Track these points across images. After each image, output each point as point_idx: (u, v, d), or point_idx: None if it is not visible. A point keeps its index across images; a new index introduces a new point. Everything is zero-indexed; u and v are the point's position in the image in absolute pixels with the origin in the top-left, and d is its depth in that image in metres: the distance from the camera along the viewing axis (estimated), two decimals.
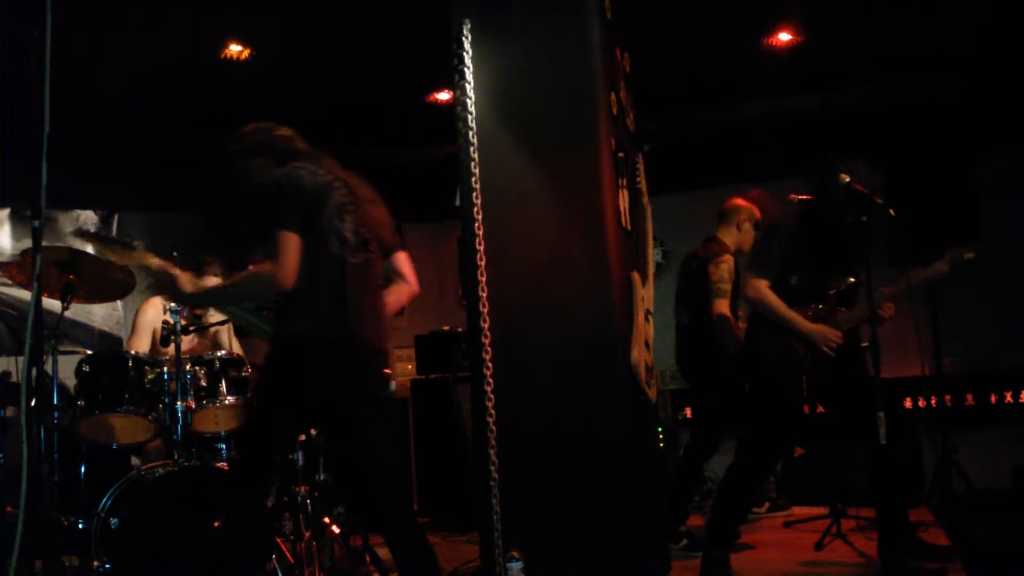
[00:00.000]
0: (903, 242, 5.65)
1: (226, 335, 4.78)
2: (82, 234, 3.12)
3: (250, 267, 2.97)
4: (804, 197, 4.77)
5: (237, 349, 4.69)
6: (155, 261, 3.10)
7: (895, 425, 3.91)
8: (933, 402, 5.95)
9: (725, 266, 4.63)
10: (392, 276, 3.23)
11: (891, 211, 4.19)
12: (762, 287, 3.85)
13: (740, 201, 4.93)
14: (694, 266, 4.81)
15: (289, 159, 3.06)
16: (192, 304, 3.14)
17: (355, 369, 2.97)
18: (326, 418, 3.10)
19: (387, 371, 3.20)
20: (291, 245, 2.84)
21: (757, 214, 4.89)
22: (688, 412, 6.54)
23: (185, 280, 3.03)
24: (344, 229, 2.98)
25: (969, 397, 6.21)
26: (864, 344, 3.95)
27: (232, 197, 3.13)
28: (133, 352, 4.17)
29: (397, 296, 3.23)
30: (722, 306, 4.57)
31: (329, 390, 2.95)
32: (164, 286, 3.10)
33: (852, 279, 3.95)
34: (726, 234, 4.86)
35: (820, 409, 4.45)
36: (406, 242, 3.29)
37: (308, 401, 2.99)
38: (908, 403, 6.21)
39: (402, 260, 3.27)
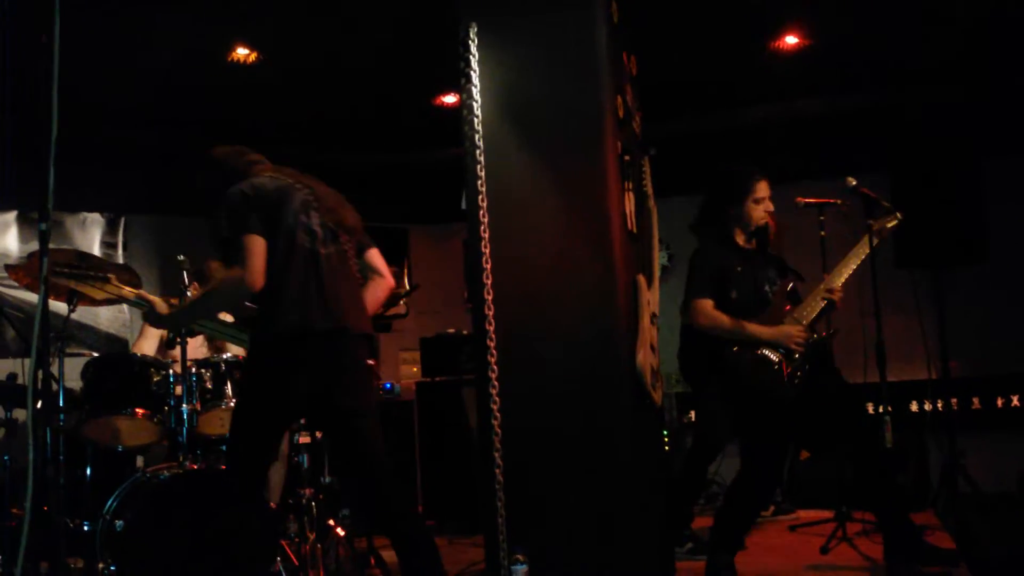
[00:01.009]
0: (909, 245, 5.65)
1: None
2: (56, 273, 3.16)
3: (216, 276, 3.01)
4: (811, 200, 4.76)
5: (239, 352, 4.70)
6: (129, 291, 3.16)
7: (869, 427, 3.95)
8: (940, 405, 5.94)
9: None
10: (368, 273, 3.25)
11: (898, 215, 4.20)
12: (710, 309, 3.84)
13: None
14: None
15: (250, 174, 3.11)
16: (171, 325, 3.19)
17: (336, 355, 2.97)
18: (320, 416, 3.11)
19: (372, 361, 3.19)
20: (255, 247, 2.87)
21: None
22: (693, 415, 6.53)
23: (160, 304, 3.09)
24: (312, 223, 3.02)
25: (976, 401, 6.20)
26: (822, 335, 3.94)
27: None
28: (139, 355, 4.18)
29: (374, 292, 3.25)
30: None
31: (319, 384, 2.94)
32: (145, 313, 3.15)
33: (790, 282, 3.97)
34: None
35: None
36: (410, 244, 3.30)
37: (298, 398, 2.98)
38: (915, 406, 6.20)
39: (375, 256, 3.29)
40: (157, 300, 3.10)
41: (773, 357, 3.81)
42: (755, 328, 3.81)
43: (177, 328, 3.82)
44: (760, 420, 3.87)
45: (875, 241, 4.04)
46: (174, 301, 3.21)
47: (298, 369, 2.92)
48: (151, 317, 3.11)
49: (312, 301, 2.94)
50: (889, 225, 4.14)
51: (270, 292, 2.90)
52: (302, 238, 2.98)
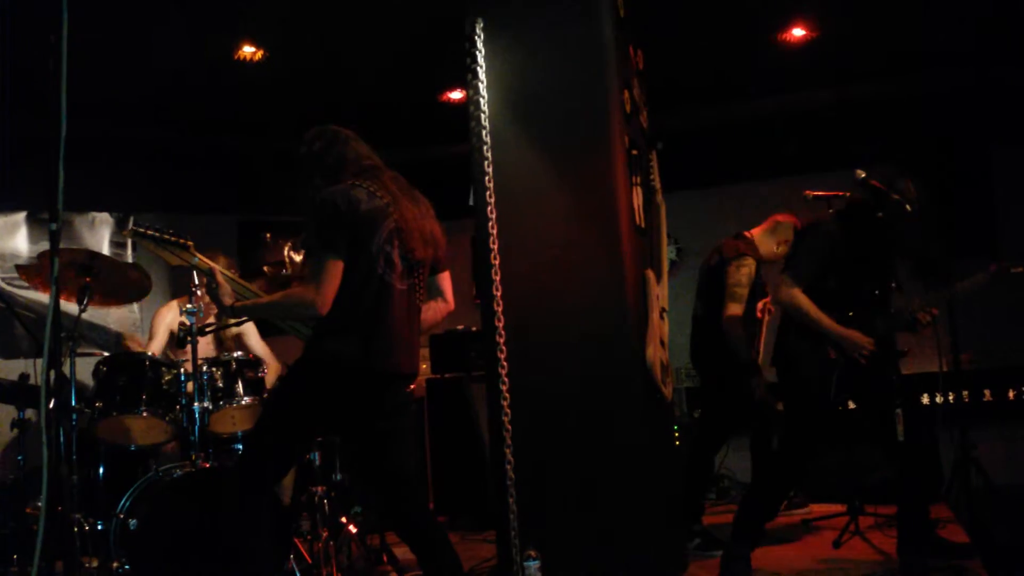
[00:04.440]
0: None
1: (254, 338, 4.78)
2: (136, 234, 3.11)
3: (292, 288, 2.97)
4: (820, 193, 4.73)
5: (261, 351, 4.69)
6: (204, 261, 3.11)
7: (915, 421, 3.89)
8: (951, 398, 5.92)
9: (745, 270, 4.55)
10: (433, 293, 3.23)
11: (907, 207, 4.18)
12: (795, 290, 3.75)
13: (796, 222, 4.81)
14: (715, 261, 4.75)
15: (341, 176, 3.03)
16: (228, 315, 3.15)
17: (382, 394, 2.98)
18: (348, 433, 3.11)
19: (412, 387, 3.20)
20: (335, 273, 2.84)
21: None
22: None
23: (226, 290, 3.03)
24: (394, 255, 2.96)
25: (987, 393, 6.17)
26: (903, 350, 3.94)
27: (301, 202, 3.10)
28: (150, 354, 4.19)
29: (434, 313, 3.22)
30: (735, 310, 4.50)
31: (354, 412, 2.96)
32: (208, 290, 3.10)
33: (884, 288, 3.92)
34: (762, 240, 4.78)
35: (852, 405, 4.37)
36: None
37: (340, 422, 3.03)
38: (926, 399, 6.18)
39: (444, 279, 3.26)
40: (223, 283, 3.04)
41: (832, 355, 3.75)
42: (831, 323, 3.72)
43: (230, 317, 3.78)
44: (801, 412, 3.82)
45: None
46: (232, 275, 3.15)
47: (348, 400, 2.94)
48: (212, 295, 3.07)
49: (378, 341, 2.92)
50: (1014, 270, 4.19)
51: (338, 317, 2.87)
52: (381, 267, 2.93)
